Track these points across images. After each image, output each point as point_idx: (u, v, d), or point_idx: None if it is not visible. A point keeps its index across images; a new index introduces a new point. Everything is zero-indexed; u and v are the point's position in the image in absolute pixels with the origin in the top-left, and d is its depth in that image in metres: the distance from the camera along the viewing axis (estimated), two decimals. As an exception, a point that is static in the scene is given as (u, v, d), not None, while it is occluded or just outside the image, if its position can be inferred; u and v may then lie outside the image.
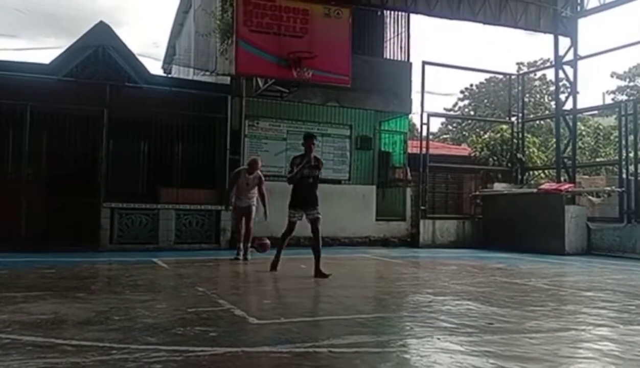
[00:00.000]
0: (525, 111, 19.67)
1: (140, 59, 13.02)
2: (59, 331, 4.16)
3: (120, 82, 12.09)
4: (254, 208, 9.99)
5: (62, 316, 4.69)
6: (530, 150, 18.04)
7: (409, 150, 15.30)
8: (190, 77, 16.90)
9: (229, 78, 13.17)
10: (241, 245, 9.94)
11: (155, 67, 23.68)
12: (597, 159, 23.65)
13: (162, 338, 3.97)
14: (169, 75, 21.83)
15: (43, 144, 12.06)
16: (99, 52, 12.25)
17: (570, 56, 15.50)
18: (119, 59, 12.34)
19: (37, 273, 7.71)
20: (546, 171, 18.68)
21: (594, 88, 52.36)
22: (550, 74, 20.96)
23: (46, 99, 11.13)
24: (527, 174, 17.64)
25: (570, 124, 15.53)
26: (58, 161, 11.97)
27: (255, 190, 9.94)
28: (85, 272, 8.06)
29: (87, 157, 12.08)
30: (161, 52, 25.55)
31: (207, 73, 14.91)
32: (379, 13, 15.39)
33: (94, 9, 59.16)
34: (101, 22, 12.53)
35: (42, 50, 55.48)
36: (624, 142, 14.35)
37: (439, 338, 4.20)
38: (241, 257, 9.86)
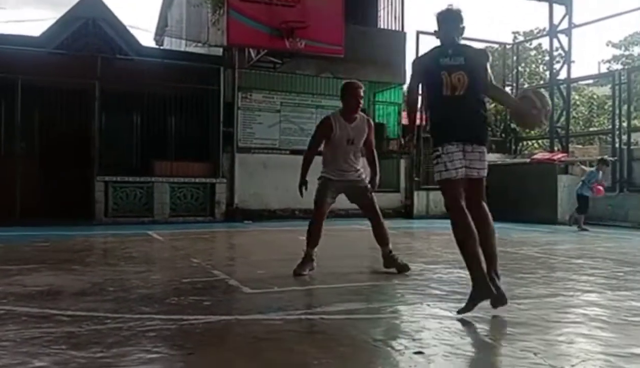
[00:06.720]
0: (521, 80, 19.62)
1: (132, 30, 12.93)
2: (54, 302, 4.20)
3: (111, 54, 12.01)
4: (366, 181, 5.93)
5: (57, 288, 4.74)
6: (524, 120, 17.97)
7: (403, 121, 15.28)
8: (182, 49, 16.73)
9: (221, 49, 13.07)
10: (312, 253, 5.57)
11: (147, 39, 23.41)
12: (591, 129, 23.67)
13: (157, 308, 4.02)
14: (161, 47, 21.59)
15: (35, 118, 12.02)
16: (89, 24, 12.16)
17: (565, 24, 15.44)
18: (109, 31, 12.25)
19: (31, 246, 7.76)
20: (540, 141, 18.74)
21: (590, 57, 52.17)
22: (545, 43, 20.83)
23: (37, 72, 11.07)
24: (520, 144, 17.68)
25: (564, 93, 15.53)
26: (51, 135, 11.96)
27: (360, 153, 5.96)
28: (80, 245, 8.11)
29: (80, 130, 12.04)
30: (153, 23, 25.17)
31: (200, 44, 14.77)
32: (373, -19, 15.23)
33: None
34: (91, -7, 12.40)
35: (28, 22, 54.53)
36: (617, 111, 14.36)
37: (428, 305, 4.28)
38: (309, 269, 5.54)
